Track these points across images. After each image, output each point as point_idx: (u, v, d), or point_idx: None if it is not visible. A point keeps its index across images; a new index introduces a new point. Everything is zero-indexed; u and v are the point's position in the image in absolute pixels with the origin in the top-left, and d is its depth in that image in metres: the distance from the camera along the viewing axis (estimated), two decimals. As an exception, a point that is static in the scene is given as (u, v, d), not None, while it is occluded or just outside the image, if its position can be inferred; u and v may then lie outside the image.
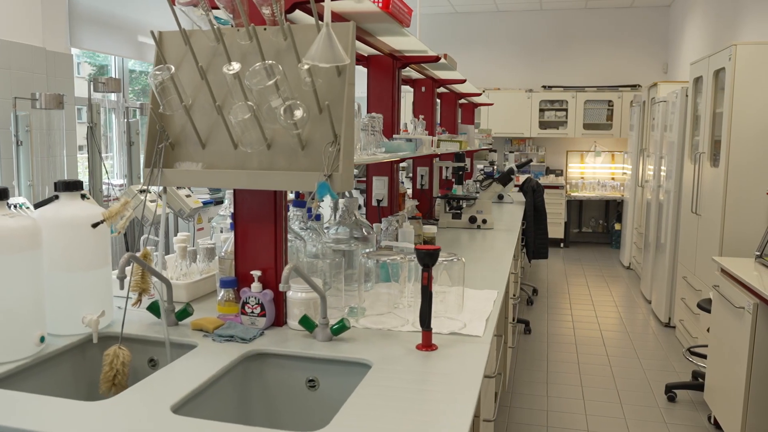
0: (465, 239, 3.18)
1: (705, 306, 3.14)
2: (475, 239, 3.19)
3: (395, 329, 1.62)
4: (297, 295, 1.60)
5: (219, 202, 4.67)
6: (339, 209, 2.57)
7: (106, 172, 4.13)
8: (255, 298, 1.58)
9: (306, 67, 1.43)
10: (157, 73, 1.50)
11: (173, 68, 1.52)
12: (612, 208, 8.42)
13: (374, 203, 2.93)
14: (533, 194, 5.11)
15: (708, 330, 3.17)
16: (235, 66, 1.47)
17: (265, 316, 1.59)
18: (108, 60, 5.07)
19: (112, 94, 4.78)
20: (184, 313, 1.62)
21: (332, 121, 1.46)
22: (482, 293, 2.00)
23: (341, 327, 1.52)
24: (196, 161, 1.61)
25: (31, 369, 1.39)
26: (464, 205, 3.67)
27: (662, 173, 4.90)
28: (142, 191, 2.49)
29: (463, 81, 3.93)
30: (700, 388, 3.25)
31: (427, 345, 1.49)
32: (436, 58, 2.87)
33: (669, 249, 4.53)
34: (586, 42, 8.31)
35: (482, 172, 5.92)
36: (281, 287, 1.32)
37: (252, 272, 1.60)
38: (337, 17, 1.91)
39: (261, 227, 1.62)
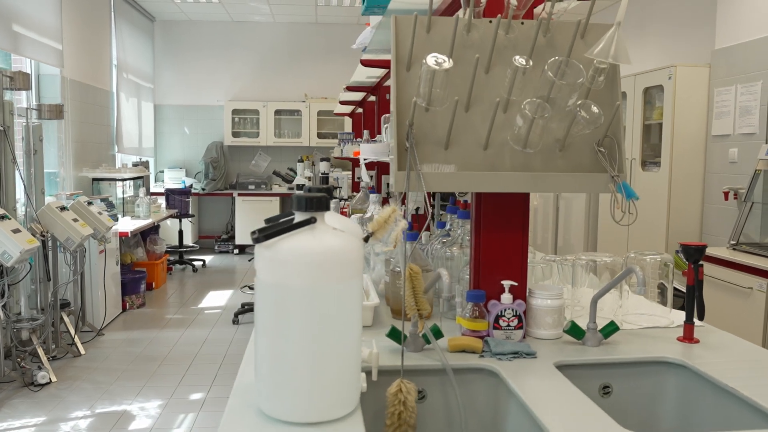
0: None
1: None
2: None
3: (622, 328, 1.63)
4: (546, 302, 1.53)
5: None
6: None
7: (24, 185, 3.36)
8: (512, 310, 1.48)
9: (603, 65, 1.39)
10: (436, 62, 1.34)
11: (451, 61, 1.36)
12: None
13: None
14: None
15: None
16: (523, 60, 1.37)
17: (522, 328, 1.49)
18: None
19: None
20: (437, 333, 1.45)
21: (611, 122, 1.44)
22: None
23: (613, 329, 1.49)
24: (437, 163, 1.46)
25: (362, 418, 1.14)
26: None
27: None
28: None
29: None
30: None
31: (690, 337, 1.53)
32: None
33: (582, 248, 5.06)
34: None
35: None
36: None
37: (503, 282, 1.49)
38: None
39: (509, 234, 1.52)
